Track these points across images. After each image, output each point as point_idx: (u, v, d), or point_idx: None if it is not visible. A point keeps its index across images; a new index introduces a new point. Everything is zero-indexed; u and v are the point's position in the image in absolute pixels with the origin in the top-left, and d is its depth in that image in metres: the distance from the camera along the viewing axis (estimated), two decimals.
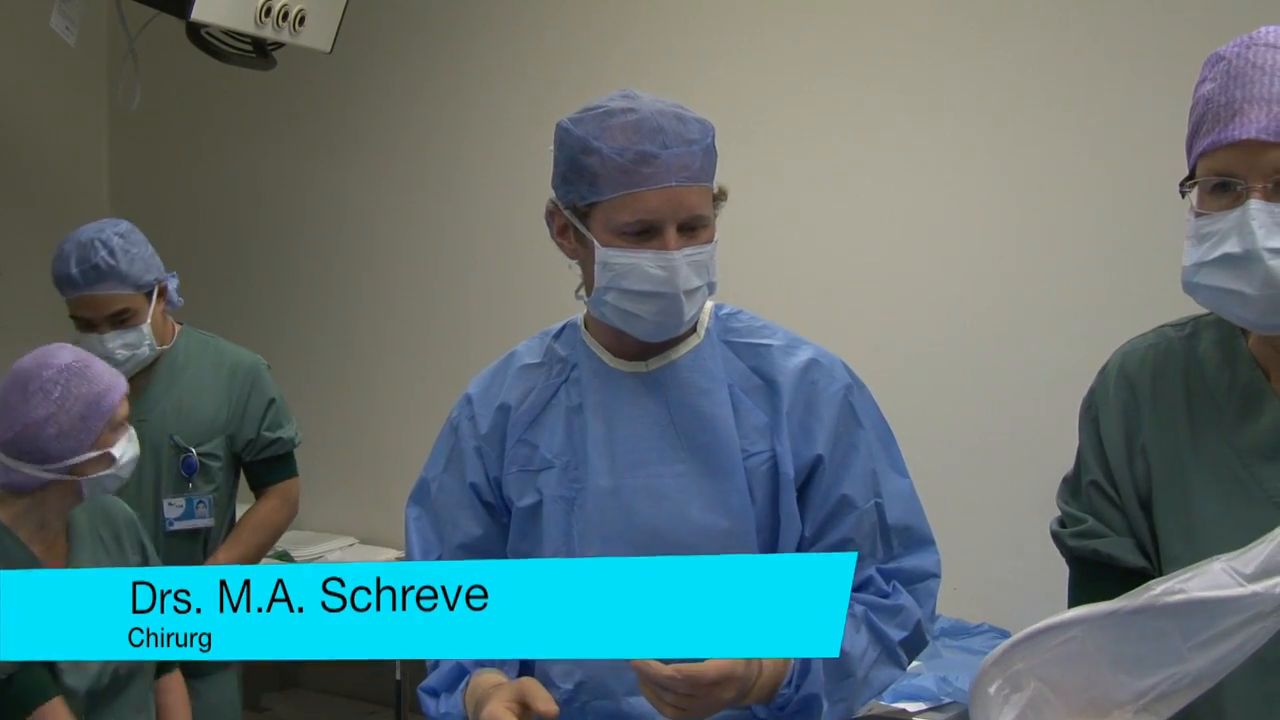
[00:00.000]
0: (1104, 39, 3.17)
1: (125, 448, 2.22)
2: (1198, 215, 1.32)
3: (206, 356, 2.89)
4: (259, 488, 2.98)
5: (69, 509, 2.24)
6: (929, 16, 3.39)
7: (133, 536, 2.37)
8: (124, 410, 2.21)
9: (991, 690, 1.20)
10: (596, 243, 1.61)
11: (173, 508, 2.79)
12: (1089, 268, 3.20)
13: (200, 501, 2.81)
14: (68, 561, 2.24)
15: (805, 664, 1.55)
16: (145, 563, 2.37)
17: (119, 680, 2.22)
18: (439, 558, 1.73)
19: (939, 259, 3.39)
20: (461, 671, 1.65)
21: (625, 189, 1.57)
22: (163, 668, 2.38)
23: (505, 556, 1.71)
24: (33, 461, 2.13)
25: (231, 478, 2.93)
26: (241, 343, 3.01)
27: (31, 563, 2.16)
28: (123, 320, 2.72)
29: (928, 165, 3.40)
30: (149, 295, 2.77)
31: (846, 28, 3.51)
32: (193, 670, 2.57)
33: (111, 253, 2.70)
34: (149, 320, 2.76)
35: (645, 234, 1.59)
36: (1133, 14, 3.14)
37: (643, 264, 1.58)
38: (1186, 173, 1.36)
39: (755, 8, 3.64)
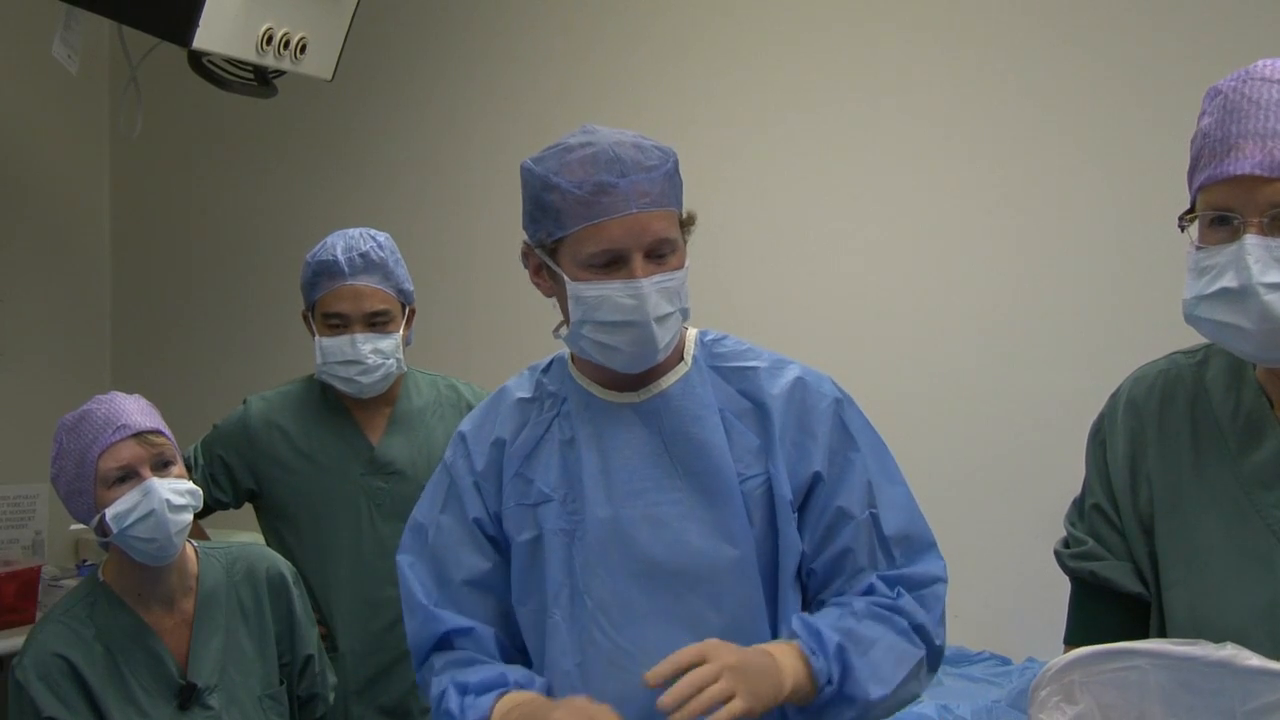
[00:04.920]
0: (1112, 61, 3.18)
1: (125, 505, 1.98)
2: (1198, 248, 1.33)
3: (439, 395, 2.72)
4: None
5: (152, 571, 2.07)
6: (939, 39, 3.40)
7: (277, 599, 2.20)
8: (114, 463, 1.99)
9: (1043, 694, 1.25)
10: (567, 278, 1.62)
11: None
12: (1093, 295, 3.20)
13: None
14: (193, 626, 2.10)
15: (844, 664, 1.53)
16: (291, 629, 2.21)
17: None
18: (439, 601, 1.71)
19: (942, 285, 3.39)
20: (502, 680, 1.63)
21: (587, 220, 1.58)
22: None
23: (509, 590, 1.71)
24: (78, 520, 2.03)
25: None
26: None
27: (134, 621, 2.05)
28: (378, 324, 2.54)
29: (932, 188, 3.40)
30: (404, 309, 2.60)
31: (850, 51, 3.52)
32: None
33: (380, 246, 2.55)
34: (400, 338, 2.57)
35: (613, 264, 1.59)
36: (1140, 35, 3.15)
37: (612, 295, 1.59)
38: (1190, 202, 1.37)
39: (759, 27, 3.65)
